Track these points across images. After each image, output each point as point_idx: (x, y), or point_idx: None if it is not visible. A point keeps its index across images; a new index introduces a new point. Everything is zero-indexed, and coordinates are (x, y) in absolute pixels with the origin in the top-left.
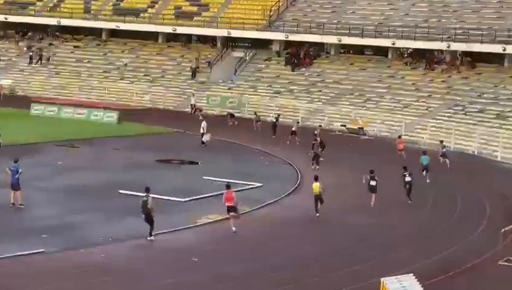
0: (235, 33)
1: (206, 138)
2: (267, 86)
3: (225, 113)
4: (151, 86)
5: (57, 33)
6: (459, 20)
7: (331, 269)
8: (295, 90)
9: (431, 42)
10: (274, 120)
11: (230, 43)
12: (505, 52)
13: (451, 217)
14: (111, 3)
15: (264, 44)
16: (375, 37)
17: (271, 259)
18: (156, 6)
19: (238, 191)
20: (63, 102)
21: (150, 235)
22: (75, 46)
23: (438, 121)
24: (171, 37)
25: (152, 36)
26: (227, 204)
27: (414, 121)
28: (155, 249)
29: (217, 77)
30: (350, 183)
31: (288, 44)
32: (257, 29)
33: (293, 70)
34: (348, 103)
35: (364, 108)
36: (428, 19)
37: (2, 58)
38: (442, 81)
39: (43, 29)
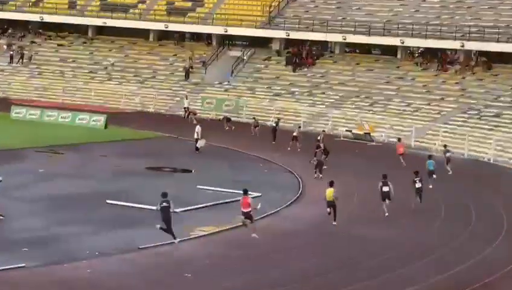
0: (232, 30)
1: (200, 143)
2: (267, 87)
3: (221, 117)
4: (141, 87)
5: (40, 30)
6: (474, 17)
7: (335, 285)
8: (296, 93)
9: (443, 41)
10: (274, 125)
11: (227, 41)
12: None
13: (465, 230)
14: None
15: (263, 42)
16: (383, 35)
17: (271, 273)
18: (147, 1)
19: (235, 201)
20: (45, 105)
21: (174, 238)
22: (59, 45)
23: (451, 126)
24: (163, 35)
25: (142, 34)
26: (243, 210)
27: (425, 126)
28: (145, 264)
29: (212, 77)
30: (356, 193)
31: (289, 42)
32: (256, 27)
33: (294, 70)
34: (353, 107)
35: (371, 112)
36: (440, 16)
37: None
38: (456, 83)
39: (24, 26)
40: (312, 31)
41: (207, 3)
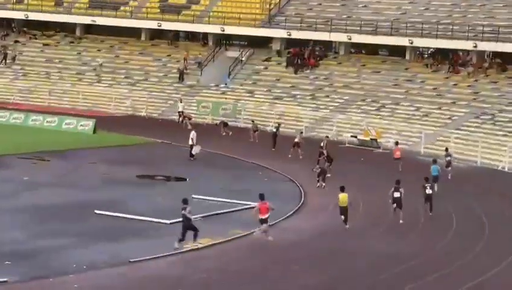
0: (230, 30)
1: (195, 150)
2: (266, 90)
3: (218, 122)
4: (132, 90)
5: (24, 29)
6: (488, 16)
7: None
8: (298, 96)
9: (455, 41)
10: (274, 130)
11: (224, 41)
12: None
13: (477, 244)
14: None
15: (263, 42)
16: (391, 34)
17: (270, 289)
18: None
19: (232, 211)
20: (30, 108)
21: (195, 240)
22: (44, 44)
23: (463, 132)
24: (156, 34)
25: (134, 33)
26: (261, 217)
27: (435, 132)
28: (136, 279)
29: (208, 80)
30: (361, 204)
31: (290, 42)
32: (255, 26)
33: (296, 72)
34: (359, 111)
35: (378, 117)
36: (452, 14)
37: None
38: (468, 86)
39: (7, 24)
40: (315, 30)
41: (203, 1)
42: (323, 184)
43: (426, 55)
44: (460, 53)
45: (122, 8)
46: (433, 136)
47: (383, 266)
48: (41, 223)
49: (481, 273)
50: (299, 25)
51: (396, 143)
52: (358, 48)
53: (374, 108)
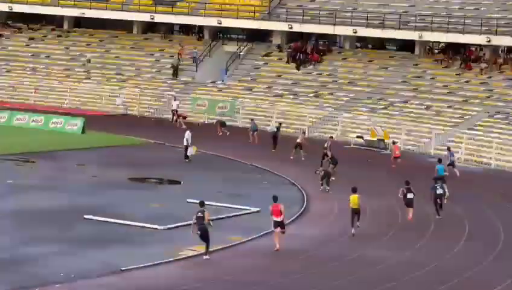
0: (227, 22)
1: (190, 151)
2: (266, 87)
3: (214, 121)
4: (124, 87)
5: (8, 22)
6: (502, 9)
7: None
8: (300, 93)
9: (467, 35)
10: (275, 130)
11: (221, 34)
12: None
13: (491, 253)
14: None
15: (263, 36)
16: (399, 28)
17: None
18: None
19: (230, 217)
20: (14, 106)
21: (206, 254)
22: (30, 38)
23: (476, 132)
24: (148, 27)
25: (125, 26)
26: (275, 219)
27: (447, 132)
28: (127, 289)
29: (204, 76)
30: (367, 209)
31: (292, 36)
32: (254, 18)
33: (298, 68)
34: (365, 109)
35: (385, 116)
36: (464, 7)
37: None
38: (481, 83)
39: None
40: (318, 23)
41: None
42: (327, 188)
43: (437, 50)
44: (473, 48)
45: None
46: (444, 137)
47: (390, 275)
48: (26, 229)
49: (494, 284)
50: (301, 17)
51: (394, 142)
52: (365, 42)
53: (381, 106)
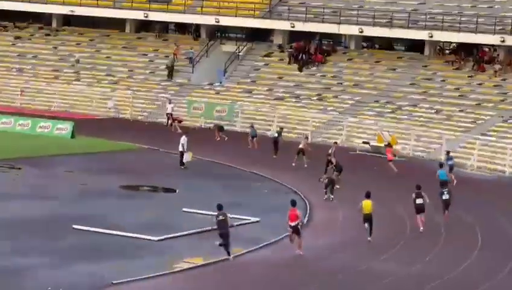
0: (225, 21)
1: (186, 157)
2: (267, 90)
3: (211, 126)
4: (115, 89)
5: None
6: None
7: None
8: (303, 96)
9: (480, 35)
10: (275, 135)
11: (219, 34)
12: None
13: (506, 264)
14: None
15: (263, 35)
16: (408, 27)
17: None
18: None
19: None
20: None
21: (229, 254)
22: (16, 37)
23: (489, 137)
24: (142, 26)
25: (117, 24)
26: (291, 223)
27: (458, 138)
28: None
29: (200, 77)
30: (375, 218)
31: (294, 36)
32: (254, 16)
33: (300, 69)
34: (372, 113)
35: (393, 120)
36: (476, 5)
37: None
38: (495, 86)
39: None
40: (322, 21)
41: None
42: (332, 196)
43: (448, 51)
44: (487, 48)
45: None
46: (455, 142)
47: (399, 289)
48: (11, 240)
49: None
50: (304, 15)
51: (388, 144)
52: (371, 42)
53: (388, 110)
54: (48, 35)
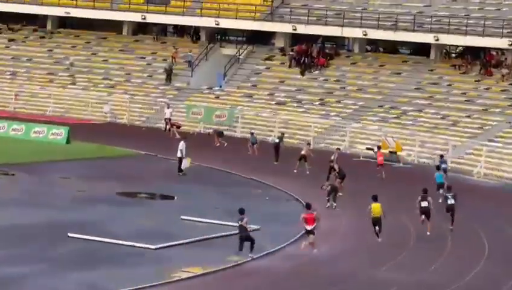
0: (225, 23)
1: (185, 164)
2: (268, 94)
3: (211, 131)
4: (112, 93)
5: None
6: None
7: None
8: (305, 101)
9: (487, 38)
10: (276, 141)
11: (219, 36)
12: None
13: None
14: None
15: (264, 38)
16: (413, 30)
17: None
18: None
19: (228, 235)
20: None
21: (251, 251)
22: (10, 40)
23: (497, 143)
24: (140, 28)
25: (114, 27)
26: (307, 228)
27: (465, 144)
28: None
29: (200, 81)
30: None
31: (296, 38)
32: (255, 19)
33: (302, 73)
34: (376, 119)
35: (398, 125)
36: (484, 8)
37: None
38: (503, 91)
39: None
40: (325, 24)
41: None
42: (334, 204)
43: (454, 55)
44: (494, 52)
45: None
46: (461, 149)
47: None
48: (5, 248)
49: None
50: (307, 18)
51: (379, 148)
52: (376, 45)
53: (393, 115)
54: (43, 37)
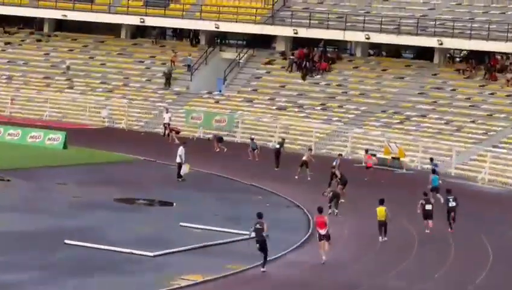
0: (225, 26)
1: (184, 169)
2: (268, 99)
3: (210, 136)
4: (110, 97)
5: None
6: None
7: None
8: (306, 106)
9: (492, 42)
10: (277, 146)
11: (219, 40)
12: None
13: None
14: None
15: (265, 42)
16: (417, 34)
17: None
18: None
19: (227, 242)
20: None
21: (263, 266)
22: (6, 43)
23: (502, 149)
24: (138, 32)
25: (112, 30)
26: (320, 232)
27: (469, 150)
28: None
29: (199, 86)
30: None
31: (297, 42)
32: (255, 22)
33: (303, 78)
34: (378, 124)
35: (401, 131)
36: (488, 11)
37: None
38: (508, 96)
39: None
40: (327, 28)
41: None
42: (336, 211)
43: (458, 59)
44: (499, 56)
45: (98, 0)
46: (466, 155)
47: None
48: (0, 255)
49: None
50: (308, 21)
51: (367, 151)
52: (378, 49)
53: (396, 121)
54: (40, 41)
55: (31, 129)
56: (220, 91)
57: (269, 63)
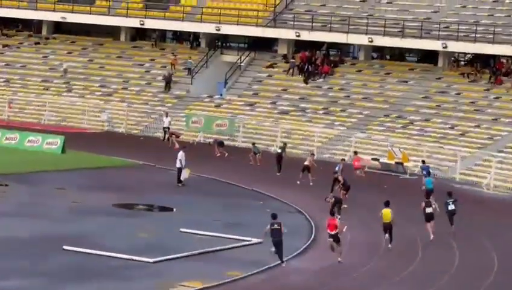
0: (226, 29)
1: (184, 174)
2: (270, 103)
3: (211, 141)
4: (109, 101)
5: None
6: None
7: None
8: (309, 110)
9: (497, 45)
10: (279, 151)
11: (219, 43)
12: None
13: None
14: None
15: (267, 45)
16: (421, 37)
17: None
18: None
19: (228, 249)
20: None
21: (282, 262)
22: (4, 45)
23: (507, 154)
24: (138, 34)
25: (111, 32)
26: (330, 232)
27: (474, 155)
28: None
29: (200, 89)
30: (383, 241)
31: (299, 45)
32: (257, 25)
33: (306, 81)
34: (382, 128)
35: (405, 135)
36: (493, 14)
37: None
38: None
39: None
40: (329, 30)
41: None
42: (338, 216)
43: (463, 62)
44: (504, 60)
45: (97, 2)
46: (470, 160)
47: None
48: None
49: None
50: (311, 24)
51: (355, 153)
52: (382, 52)
53: (399, 125)
54: (38, 43)
55: (29, 133)
56: (221, 95)
57: (271, 66)
